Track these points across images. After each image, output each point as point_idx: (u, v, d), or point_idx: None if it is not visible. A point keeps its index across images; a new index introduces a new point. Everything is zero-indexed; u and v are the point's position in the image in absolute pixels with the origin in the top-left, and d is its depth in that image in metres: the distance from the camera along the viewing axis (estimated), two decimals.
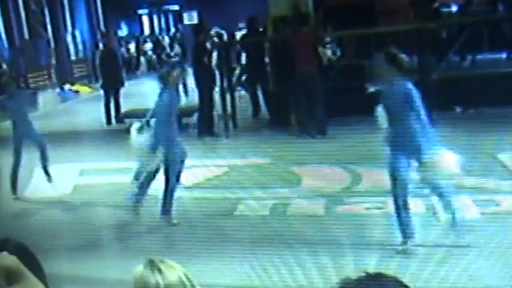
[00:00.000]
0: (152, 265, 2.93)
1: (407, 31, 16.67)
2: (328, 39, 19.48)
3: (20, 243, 2.80)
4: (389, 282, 2.35)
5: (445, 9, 21.72)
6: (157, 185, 9.94)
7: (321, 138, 13.92)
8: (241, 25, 28.09)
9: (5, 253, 2.42)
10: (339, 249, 7.79)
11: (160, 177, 9.87)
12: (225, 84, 16.17)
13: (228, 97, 16.01)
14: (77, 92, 27.88)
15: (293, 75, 14.46)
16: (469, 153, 10.00)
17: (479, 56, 18.90)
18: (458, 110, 14.93)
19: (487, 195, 9.39)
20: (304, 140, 13.89)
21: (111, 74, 19.10)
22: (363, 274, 2.36)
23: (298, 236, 8.43)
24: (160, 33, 35.58)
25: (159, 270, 2.91)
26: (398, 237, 7.91)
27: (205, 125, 15.59)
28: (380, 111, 8.01)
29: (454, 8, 21.80)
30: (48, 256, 3.22)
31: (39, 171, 12.50)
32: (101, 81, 20.64)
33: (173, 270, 2.93)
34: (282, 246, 8.00)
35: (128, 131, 11.83)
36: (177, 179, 9.89)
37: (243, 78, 18.58)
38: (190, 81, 17.77)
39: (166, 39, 33.76)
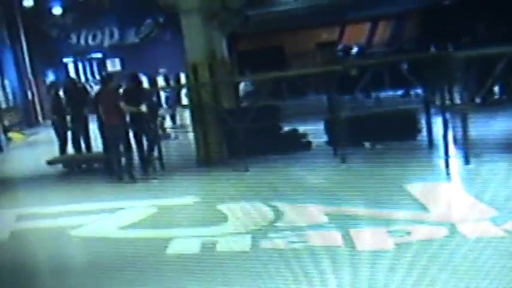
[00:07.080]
0: None
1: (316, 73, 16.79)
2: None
3: None
4: None
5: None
6: None
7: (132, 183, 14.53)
8: (161, 70, 28.22)
9: None
10: (265, 284, 7.67)
11: None
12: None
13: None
14: (9, 139, 27.44)
15: None
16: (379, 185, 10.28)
17: (382, 94, 19.26)
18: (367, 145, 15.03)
19: (398, 225, 9.14)
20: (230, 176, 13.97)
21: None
22: None
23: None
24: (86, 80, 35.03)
25: None
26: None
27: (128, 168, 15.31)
28: None
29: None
30: None
31: None
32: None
33: None
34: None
35: None
36: None
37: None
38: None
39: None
